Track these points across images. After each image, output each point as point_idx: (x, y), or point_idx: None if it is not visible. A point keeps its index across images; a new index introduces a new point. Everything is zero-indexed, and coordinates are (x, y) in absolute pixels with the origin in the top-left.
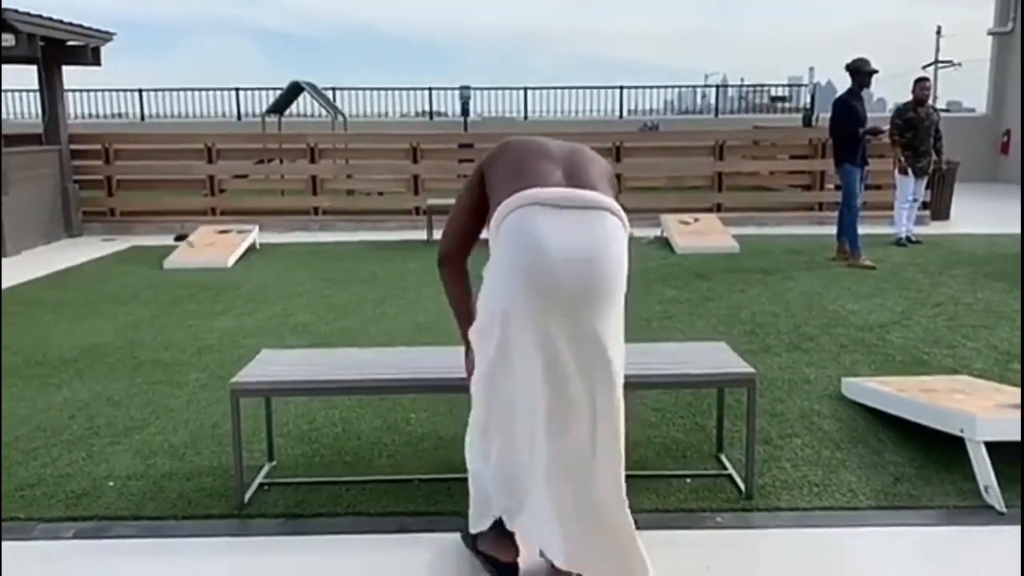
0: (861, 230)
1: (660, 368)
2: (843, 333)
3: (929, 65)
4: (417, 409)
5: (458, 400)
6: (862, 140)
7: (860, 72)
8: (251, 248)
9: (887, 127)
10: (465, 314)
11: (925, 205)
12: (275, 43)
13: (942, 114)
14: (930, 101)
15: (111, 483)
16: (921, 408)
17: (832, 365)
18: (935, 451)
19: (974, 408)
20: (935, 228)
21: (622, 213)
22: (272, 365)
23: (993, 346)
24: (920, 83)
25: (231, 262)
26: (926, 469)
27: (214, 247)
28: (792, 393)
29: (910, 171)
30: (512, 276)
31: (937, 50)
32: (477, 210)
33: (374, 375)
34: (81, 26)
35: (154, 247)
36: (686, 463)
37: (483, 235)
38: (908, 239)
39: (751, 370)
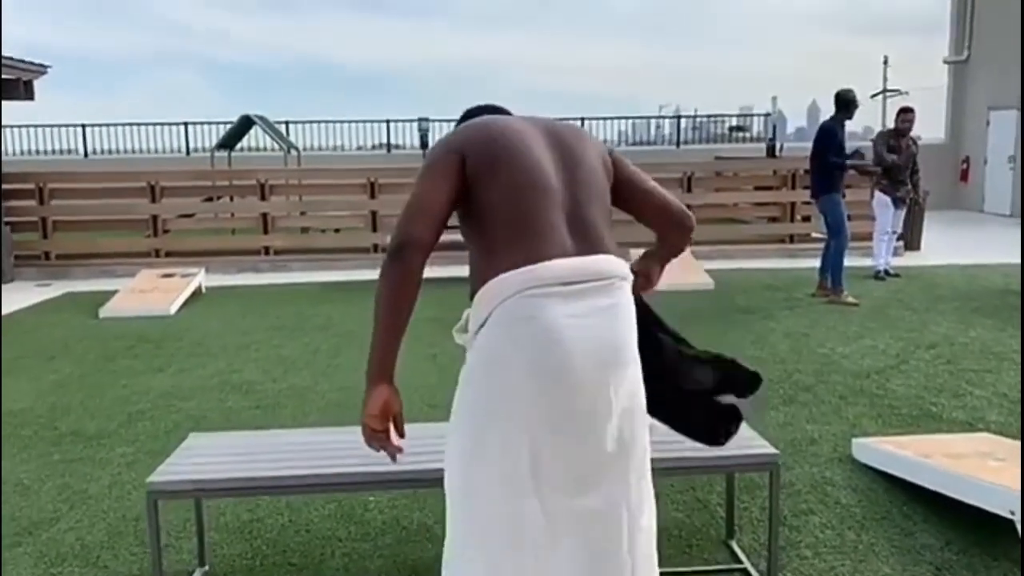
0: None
1: (663, 450)
2: (839, 381)
3: (877, 94)
4: (375, 491)
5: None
6: (844, 170)
7: (848, 102)
8: (196, 292)
9: (868, 153)
10: (401, 331)
11: (900, 236)
12: (225, 76)
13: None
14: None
15: None
16: (955, 481)
17: (835, 420)
18: (973, 529)
19: (1018, 483)
20: (909, 259)
21: (628, 271)
22: (200, 456)
23: (1003, 394)
24: (903, 114)
25: (174, 309)
26: (969, 555)
27: (156, 292)
28: (798, 457)
29: (890, 201)
30: (527, 380)
31: (885, 79)
32: (454, 200)
33: (324, 468)
34: (11, 58)
35: (91, 292)
36: (691, 554)
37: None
38: (886, 272)
39: (772, 451)
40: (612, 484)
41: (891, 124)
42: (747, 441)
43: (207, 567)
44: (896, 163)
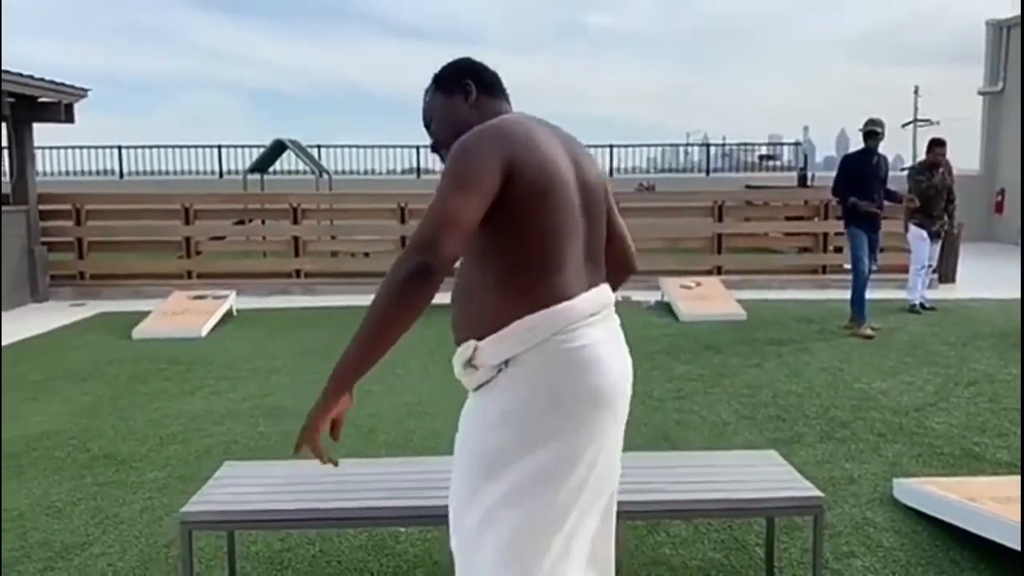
0: (873, 295)
1: (705, 491)
2: (878, 418)
3: (908, 123)
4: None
5: None
6: (851, 205)
7: (864, 134)
8: (228, 315)
9: (907, 198)
10: (391, 347)
11: (934, 269)
12: (259, 100)
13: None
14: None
15: None
16: (1004, 527)
17: (874, 459)
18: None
19: None
20: (943, 292)
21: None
22: (234, 486)
23: None
24: (936, 148)
25: (205, 332)
26: None
27: (187, 315)
28: (838, 496)
29: (926, 234)
30: (583, 407)
31: (915, 109)
32: (485, 209)
33: (357, 502)
34: (53, 82)
35: (124, 313)
36: None
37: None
38: (922, 305)
39: (817, 493)
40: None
41: (922, 155)
42: (790, 483)
43: None
44: (930, 196)
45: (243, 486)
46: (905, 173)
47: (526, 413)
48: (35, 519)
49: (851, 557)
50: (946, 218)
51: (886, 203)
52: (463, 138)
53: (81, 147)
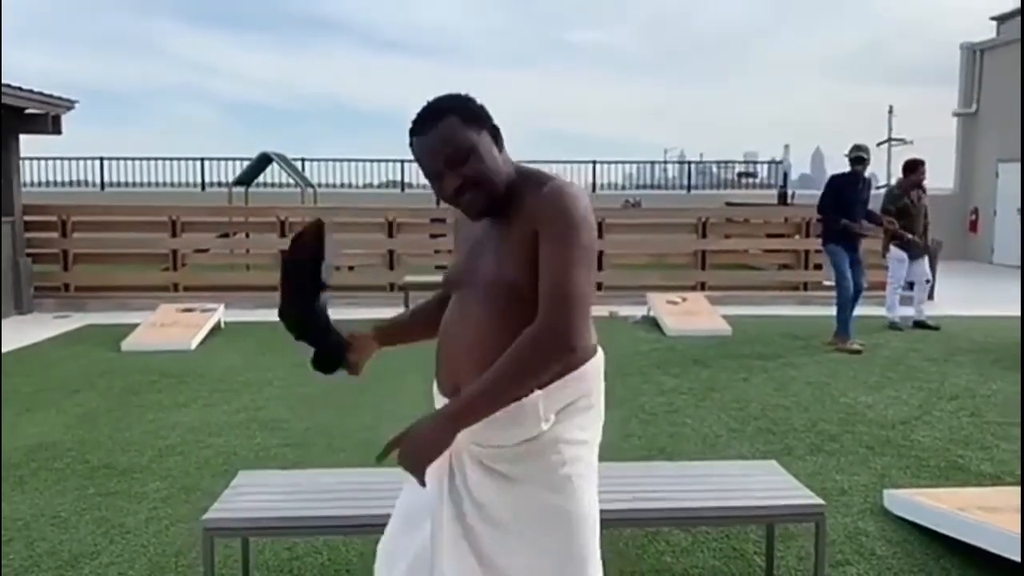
0: (856, 312)
1: (708, 499)
2: (865, 431)
3: (883, 143)
4: None
5: None
6: (843, 226)
7: (850, 160)
8: (216, 327)
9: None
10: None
11: (931, 285)
12: (239, 112)
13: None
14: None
15: None
16: (994, 535)
17: (864, 471)
18: None
19: None
20: (910, 310)
21: None
22: (251, 495)
23: None
24: (921, 167)
25: (194, 344)
26: None
27: (176, 327)
28: (831, 507)
29: (905, 255)
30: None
31: (890, 128)
32: None
33: (378, 509)
34: (42, 93)
35: (110, 325)
36: None
37: None
38: (924, 323)
39: (819, 501)
40: None
41: (896, 173)
42: (792, 491)
43: None
44: (911, 215)
45: (262, 494)
46: (882, 192)
47: (587, 465)
48: (41, 529)
49: (846, 565)
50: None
51: (865, 224)
52: (580, 205)
53: (60, 158)
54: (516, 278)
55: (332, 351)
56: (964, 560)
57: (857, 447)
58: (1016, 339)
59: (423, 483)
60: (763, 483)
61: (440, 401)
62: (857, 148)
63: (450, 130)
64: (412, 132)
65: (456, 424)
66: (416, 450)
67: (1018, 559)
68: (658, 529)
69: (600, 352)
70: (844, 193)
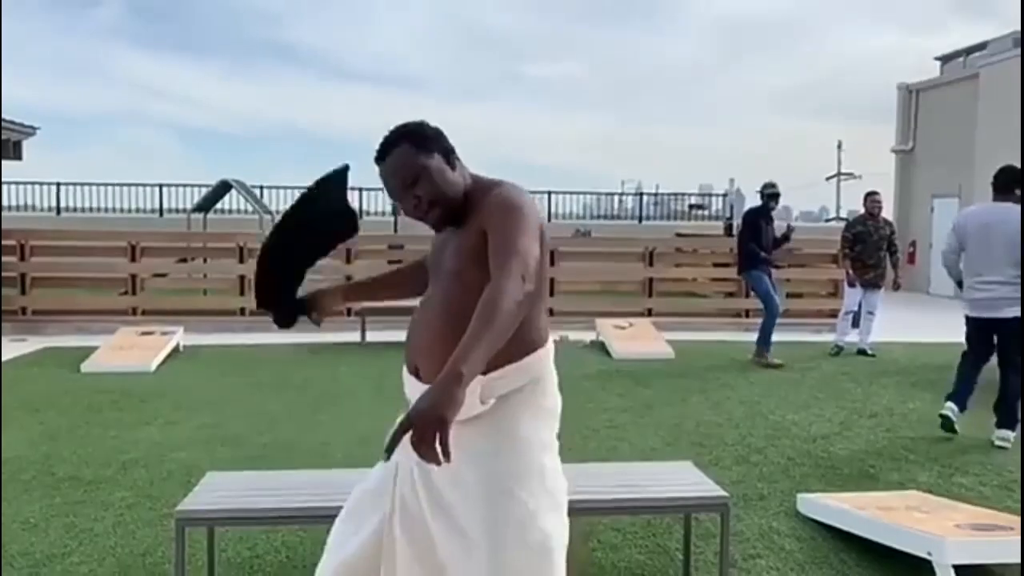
0: (794, 337)
1: (627, 492)
2: (789, 445)
3: (832, 177)
4: None
5: None
6: (762, 255)
7: (765, 196)
8: (175, 350)
9: (790, 232)
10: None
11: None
12: (201, 139)
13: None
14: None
15: None
16: (885, 529)
17: (783, 479)
18: (897, 570)
19: (939, 529)
20: (854, 336)
21: None
22: (219, 491)
23: (934, 459)
24: (871, 197)
25: (154, 366)
26: None
27: (136, 350)
28: (749, 510)
29: (857, 283)
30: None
31: (839, 163)
32: None
33: (336, 502)
34: (4, 119)
35: (69, 348)
36: None
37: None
38: (864, 351)
39: (723, 493)
40: None
41: (846, 205)
42: (700, 485)
43: None
44: (866, 244)
45: (231, 490)
46: (830, 223)
47: (531, 429)
48: (11, 533)
49: (756, 558)
50: (889, 267)
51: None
52: (518, 192)
53: (18, 183)
54: (470, 271)
55: (295, 311)
56: (861, 553)
57: (779, 458)
58: (935, 363)
59: (448, 453)
60: (677, 479)
61: (409, 380)
62: (771, 185)
63: (403, 157)
64: (375, 160)
65: (469, 376)
66: (432, 416)
67: (904, 549)
68: (591, 528)
69: (551, 343)
70: (758, 225)
